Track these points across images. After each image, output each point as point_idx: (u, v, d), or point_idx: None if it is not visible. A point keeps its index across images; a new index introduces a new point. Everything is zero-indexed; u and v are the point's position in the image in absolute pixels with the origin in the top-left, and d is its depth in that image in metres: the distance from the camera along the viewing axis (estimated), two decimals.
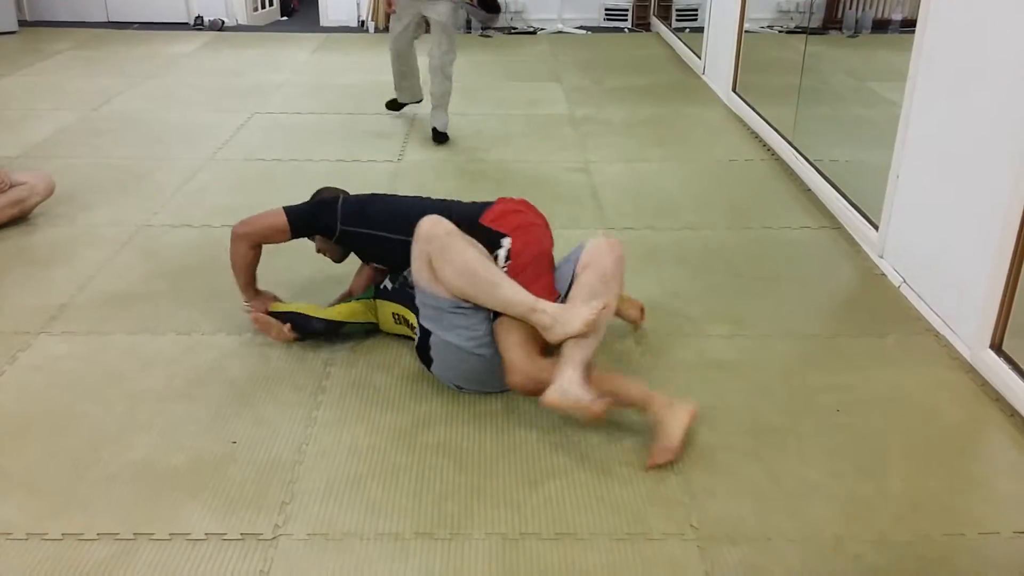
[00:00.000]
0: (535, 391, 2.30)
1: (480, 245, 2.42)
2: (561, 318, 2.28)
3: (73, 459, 2.26)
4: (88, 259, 3.36)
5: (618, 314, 2.77)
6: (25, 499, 2.11)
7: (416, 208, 2.62)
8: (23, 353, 2.73)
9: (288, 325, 2.73)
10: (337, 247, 2.83)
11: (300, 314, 2.75)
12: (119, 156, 4.51)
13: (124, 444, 2.32)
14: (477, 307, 2.38)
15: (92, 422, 2.41)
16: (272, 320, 2.75)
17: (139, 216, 3.75)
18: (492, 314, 2.40)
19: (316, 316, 2.74)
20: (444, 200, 2.78)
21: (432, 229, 2.37)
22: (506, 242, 2.51)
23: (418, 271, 2.42)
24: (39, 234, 3.58)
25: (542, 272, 2.51)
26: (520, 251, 2.50)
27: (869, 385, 2.60)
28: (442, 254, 2.34)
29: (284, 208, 2.74)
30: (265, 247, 2.79)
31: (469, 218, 2.56)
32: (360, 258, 2.89)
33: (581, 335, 2.27)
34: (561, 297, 2.46)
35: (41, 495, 2.13)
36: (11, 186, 3.57)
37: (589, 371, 2.30)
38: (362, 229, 2.69)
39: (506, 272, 2.43)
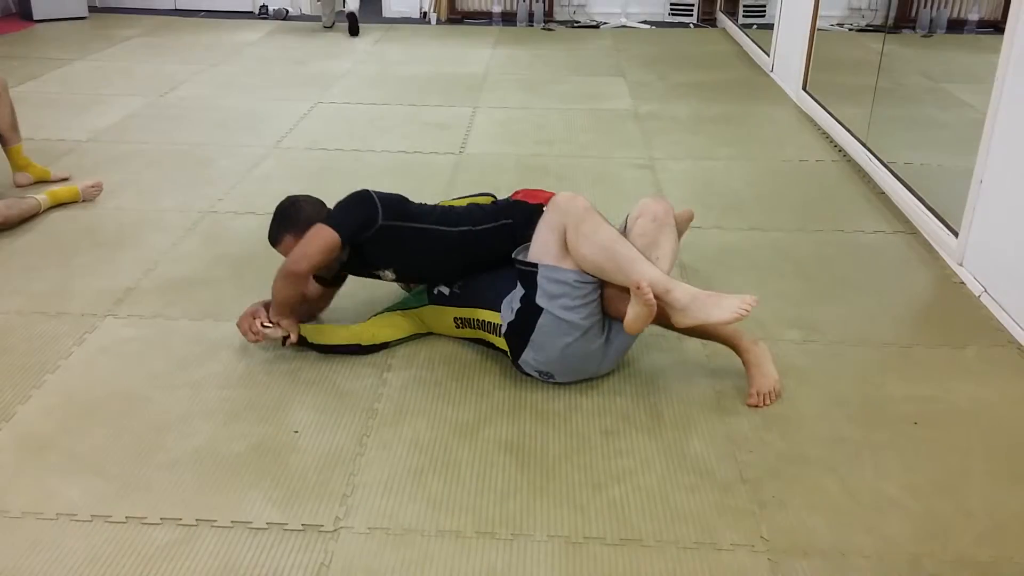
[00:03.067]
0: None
1: (611, 223, 2.42)
2: (702, 301, 2.28)
3: (137, 442, 2.27)
4: (154, 243, 3.39)
5: None
6: (90, 481, 2.12)
7: (450, 211, 2.66)
8: (90, 335, 2.75)
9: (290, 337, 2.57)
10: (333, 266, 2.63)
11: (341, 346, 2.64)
12: (185, 142, 4.55)
13: (187, 429, 2.32)
14: (595, 284, 2.36)
15: (156, 406, 2.42)
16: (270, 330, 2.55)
17: (204, 202, 3.78)
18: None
19: (349, 343, 2.63)
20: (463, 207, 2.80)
21: (571, 202, 2.35)
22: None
23: (544, 244, 2.36)
24: (107, 217, 3.62)
25: None
26: None
27: (948, 397, 2.49)
28: (580, 227, 2.30)
29: (321, 224, 2.49)
30: None
31: (504, 202, 2.70)
32: (378, 265, 2.67)
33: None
34: None
35: (106, 477, 2.14)
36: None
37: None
38: (406, 223, 2.56)
39: None
